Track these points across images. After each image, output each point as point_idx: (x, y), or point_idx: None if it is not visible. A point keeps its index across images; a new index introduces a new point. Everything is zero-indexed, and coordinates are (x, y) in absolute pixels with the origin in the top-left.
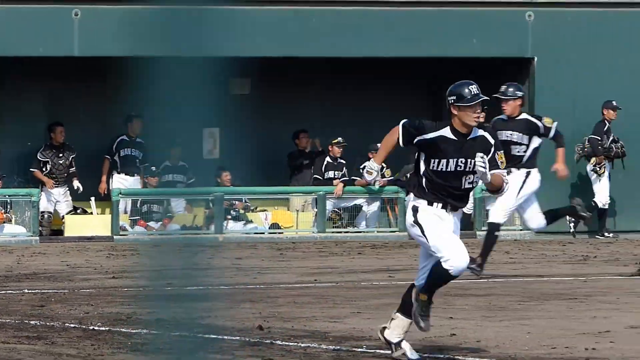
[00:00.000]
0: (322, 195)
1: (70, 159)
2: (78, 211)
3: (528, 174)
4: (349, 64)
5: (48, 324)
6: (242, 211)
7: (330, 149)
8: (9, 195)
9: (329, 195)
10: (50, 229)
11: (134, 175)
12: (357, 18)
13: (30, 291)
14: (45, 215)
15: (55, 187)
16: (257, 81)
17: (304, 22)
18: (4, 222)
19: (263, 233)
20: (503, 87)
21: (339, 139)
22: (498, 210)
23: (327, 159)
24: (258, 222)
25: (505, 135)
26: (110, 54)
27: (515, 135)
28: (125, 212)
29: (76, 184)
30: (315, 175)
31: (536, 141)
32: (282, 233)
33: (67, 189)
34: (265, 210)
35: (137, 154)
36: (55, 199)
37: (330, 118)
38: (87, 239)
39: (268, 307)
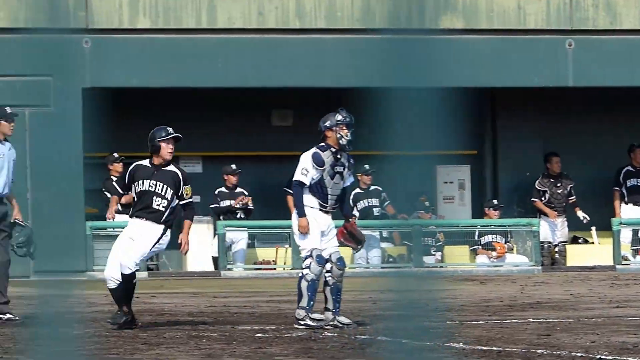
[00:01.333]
0: None
1: (568, 188)
2: (579, 241)
3: None
4: None
5: (554, 352)
6: None
7: None
8: (509, 225)
9: None
10: (551, 258)
11: None
12: None
13: (534, 320)
14: (545, 245)
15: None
16: None
17: None
18: (506, 252)
19: None
20: None
21: None
22: None
23: None
24: None
25: None
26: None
27: None
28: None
29: (581, 214)
30: None
31: None
32: None
33: (565, 218)
34: None
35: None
36: (555, 228)
37: None
38: (589, 268)
39: None
